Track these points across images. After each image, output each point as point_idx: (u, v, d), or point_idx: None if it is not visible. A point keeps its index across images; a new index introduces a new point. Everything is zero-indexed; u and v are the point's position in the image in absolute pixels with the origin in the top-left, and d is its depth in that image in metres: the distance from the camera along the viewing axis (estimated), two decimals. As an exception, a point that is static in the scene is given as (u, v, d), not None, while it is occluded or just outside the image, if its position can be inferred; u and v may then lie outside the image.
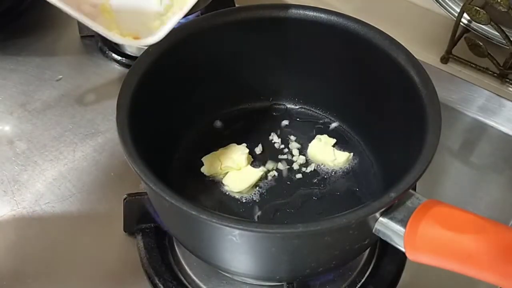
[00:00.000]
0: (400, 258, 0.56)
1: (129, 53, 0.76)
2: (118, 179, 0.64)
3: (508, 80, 0.74)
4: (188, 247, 0.52)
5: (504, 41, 0.70)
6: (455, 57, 0.76)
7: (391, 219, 0.44)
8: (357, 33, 0.56)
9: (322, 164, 0.61)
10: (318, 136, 0.63)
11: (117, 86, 0.50)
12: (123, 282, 0.57)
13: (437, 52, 0.77)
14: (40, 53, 0.77)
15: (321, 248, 0.46)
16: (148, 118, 0.52)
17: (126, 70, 0.65)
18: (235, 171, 0.59)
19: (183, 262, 0.57)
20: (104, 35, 0.46)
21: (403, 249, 0.44)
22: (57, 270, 0.57)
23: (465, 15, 0.71)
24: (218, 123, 0.65)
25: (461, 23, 0.73)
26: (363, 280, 0.56)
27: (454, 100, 0.73)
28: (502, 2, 0.65)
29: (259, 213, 0.57)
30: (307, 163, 0.61)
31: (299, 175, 0.60)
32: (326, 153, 0.61)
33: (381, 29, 0.56)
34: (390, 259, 0.56)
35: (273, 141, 0.63)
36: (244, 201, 0.58)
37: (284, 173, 0.61)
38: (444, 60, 0.77)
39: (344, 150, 0.62)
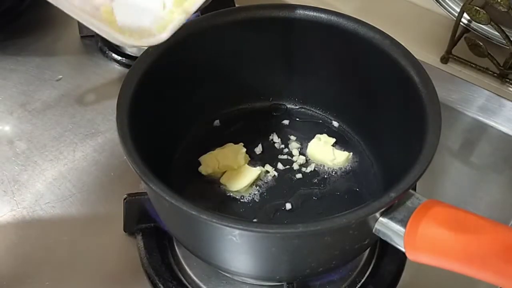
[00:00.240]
0: (400, 258, 0.56)
1: (129, 53, 0.76)
2: (118, 179, 0.64)
3: (508, 80, 0.74)
4: (188, 247, 0.52)
5: (504, 41, 0.70)
6: (455, 57, 0.76)
7: (391, 219, 0.44)
8: (357, 33, 0.56)
9: (322, 164, 0.61)
10: (317, 136, 0.63)
11: (117, 86, 0.50)
12: (123, 282, 0.57)
13: (437, 52, 0.77)
14: (40, 53, 0.77)
15: (321, 248, 0.46)
16: (148, 118, 0.52)
17: (126, 70, 0.66)
18: (233, 170, 0.59)
19: (183, 262, 0.57)
20: (106, 37, 0.46)
21: (403, 249, 0.44)
22: (57, 270, 0.57)
23: (465, 15, 0.71)
24: (218, 123, 0.65)
25: (461, 23, 0.73)
26: (363, 280, 0.56)
27: (454, 100, 0.73)
28: (502, 2, 0.65)
29: (259, 213, 0.57)
30: (307, 163, 0.61)
31: (299, 175, 0.60)
32: (325, 153, 0.61)
33: (381, 29, 0.56)
34: (390, 259, 0.56)
35: (273, 141, 0.63)
36: (244, 201, 0.58)
37: (284, 173, 0.61)
38: (444, 60, 0.77)
39: (344, 150, 0.62)
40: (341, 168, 0.61)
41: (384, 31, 0.56)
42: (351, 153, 0.61)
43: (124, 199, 0.56)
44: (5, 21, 0.80)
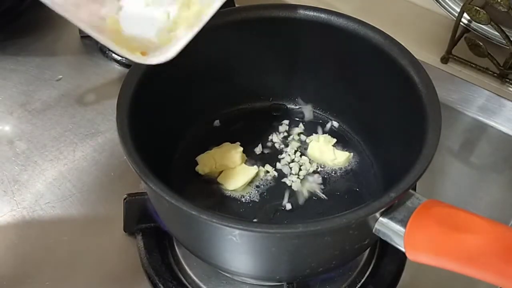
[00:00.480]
0: (400, 258, 0.56)
1: (129, 53, 0.76)
2: (118, 179, 0.64)
3: (508, 80, 0.74)
4: (188, 247, 0.52)
5: (504, 41, 0.70)
6: (455, 57, 0.76)
7: (391, 219, 0.44)
8: (357, 33, 0.56)
9: (322, 164, 0.61)
10: (318, 136, 0.63)
11: (117, 86, 0.50)
12: (123, 282, 0.57)
13: (437, 52, 0.77)
14: (40, 53, 0.78)
15: (321, 248, 0.46)
16: (148, 118, 0.52)
17: (126, 70, 0.66)
18: (230, 169, 0.59)
19: (183, 262, 0.57)
20: (113, 49, 0.46)
21: (403, 249, 0.44)
22: (57, 270, 0.57)
23: (465, 15, 0.71)
24: (218, 123, 0.65)
25: (461, 23, 0.73)
26: (363, 280, 0.56)
27: (454, 100, 0.73)
28: (502, 2, 0.65)
29: (259, 213, 0.57)
30: (307, 163, 0.61)
31: (299, 175, 0.60)
32: (326, 153, 0.61)
33: (381, 29, 0.56)
34: (390, 259, 0.56)
35: (273, 141, 0.63)
36: (244, 201, 0.58)
37: (284, 173, 0.61)
38: (444, 60, 0.77)
39: (344, 150, 0.62)
40: (341, 168, 0.61)
41: (384, 31, 0.56)
42: (352, 153, 0.61)
43: (124, 199, 0.56)
44: (5, 21, 0.80)
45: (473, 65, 0.75)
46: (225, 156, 0.60)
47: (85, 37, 0.79)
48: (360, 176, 0.60)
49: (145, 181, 0.44)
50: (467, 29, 0.74)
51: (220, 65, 0.60)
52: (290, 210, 0.57)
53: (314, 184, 0.59)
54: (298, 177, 0.60)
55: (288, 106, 0.67)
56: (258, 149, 0.62)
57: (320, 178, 0.60)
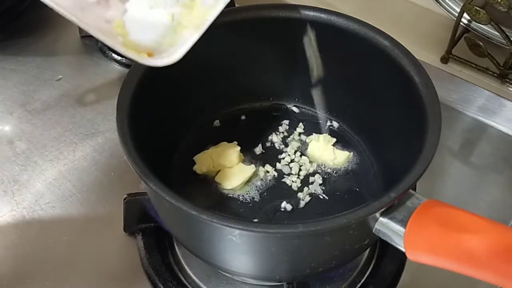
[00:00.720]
0: (400, 258, 0.56)
1: (129, 53, 0.76)
2: (118, 179, 0.64)
3: (508, 80, 0.74)
4: (188, 247, 0.52)
5: (504, 41, 0.70)
6: (455, 57, 0.76)
7: (391, 219, 0.44)
8: (357, 33, 0.56)
9: (322, 164, 0.61)
10: (318, 136, 0.63)
11: (117, 86, 0.50)
12: (123, 282, 0.57)
13: (437, 52, 0.77)
14: (40, 53, 0.78)
15: (321, 248, 0.46)
16: (148, 118, 0.52)
17: (126, 70, 0.66)
18: (227, 169, 0.59)
19: (183, 262, 0.57)
20: (120, 52, 0.46)
21: (403, 249, 0.44)
22: (57, 270, 0.57)
23: (465, 15, 0.71)
24: (218, 123, 0.65)
25: (461, 23, 0.73)
26: (363, 280, 0.56)
27: (454, 100, 0.73)
28: (502, 2, 0.65)
29: (259, 213, 0.57)
30: (307, 163, 0.61)
31: (299, 175, 0.60)
32: (326, 153, 0.61)
33: (381, 29, 0.56)
34: (390, 259, 0.56)
35: (273, 141, 0.63)
36: (244, 201, 0.58)
37: (284, 173, 0.61)
38: (444, 60, 0.77)
39: (344, 150, 0.62)
40: (341, 168, 0.61)
41: (384, 31, 0.56)
42: (352, 153, 0.62)
43: (124, 199, 0.56)
44: (5, 21, 0.80)
45: (473, 65, 0.75)
46: (223, 156, 0.60)
47: (85, 37, 0.79)
48: (360, 176, 0.60)
49: (145, 181, 0.44)
50: (467, 29, 0.74)
51: (220, 65, 0.60)
52: (290, 210, 0.57)
53: (314, 184, 0.59)
54: (298, 177, 0.60)
55: (288, 106, 0.67)
56: (258, 149, 0.62)
57: (320, 178, 0.60)
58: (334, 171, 0.61)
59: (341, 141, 0.63)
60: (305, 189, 0.59)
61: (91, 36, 0.79)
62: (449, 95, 0.73)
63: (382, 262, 0.56)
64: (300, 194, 0.58)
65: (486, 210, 0.63)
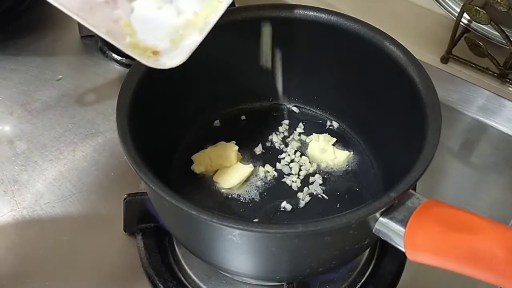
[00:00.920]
0: (400, 258, 0.56)
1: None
2: (118, 179, 0.64)
3: (508, 80, 0.74)
4: (188, 247, 0.52)
5: (504, 41, 0.70)
6: (455, 57, 0.76)
7: (391, 219, 0.44)
8: (357, 33, 0.56)
9: (322, 164, 0.61)
10: (318, 136, 0.63)
11: (117, 86, 0.50)
12: (123, 282, 0.57)
13: (437, 52, 0.77)
14: (40, 53, 0.78)
15: (321, 248, 0.46)
16: (148, 118, 0.52)
17: (126, 70, 0.66)
18: (226, 168, 0.59)
19: (183, 262, 0.57)
20: (126, 52, 0.47)
21: (403, 249, 0.44)
22: (57, 270, 0.57)
23: (465, 15, 0.71)
24: (218, 123, 0.65)
25: (461, 23, 0.73)
26: (363, 280, 0.56)
27: (454, 100, 0.73)
28: (502, 2, 0.65)
29: (259, 213, 0.57)
30: (307, 163, 0.61)
31: (299, 175, 0.60)
32: (326, 152, 0.61)
33: (381, 29, 0.56)
34: (390, 259, 0.56)
35: (273, 141, 0.63)
36: (244, 201, 0.58)
37: (284, 173, 0.61)
38: (444, 60, 0.77)
39: (344, 150, 0.62)
40: (341, 168, 0.61)
41: (384, 31, 0.56)
42: (351, 153, 0.62)
43: (124, 199, 0.56)
44: (5, 21, 0.80)
45: (473, 65, 0.75)
46: (221, 155, 0.60)
47: (85, 37, 0.79)
48: (360, 176, 0.60)
49: (145, 181, 0.44)
50: (467, 29, 0.74)
51: (220, 65, 0.60)
52: (290, 210, 0.57)
53: (314, 184, 0.59)
54: (298, 177, 0.60)
55: (288, 106, 0.67)
56: (258, 149, 0.62)
57: (320, 178, 0.60)
58: (334, 171, 0.61)
59: (341, 141, 0.63)
60: (305, 189, 0.59)
61: (91, 36, 0.80)
62: (449, 95, 0.73)
63: (382, 262, 0.56)
64: (300, 194, 0.58)
65: (486, 210, 0.63)
